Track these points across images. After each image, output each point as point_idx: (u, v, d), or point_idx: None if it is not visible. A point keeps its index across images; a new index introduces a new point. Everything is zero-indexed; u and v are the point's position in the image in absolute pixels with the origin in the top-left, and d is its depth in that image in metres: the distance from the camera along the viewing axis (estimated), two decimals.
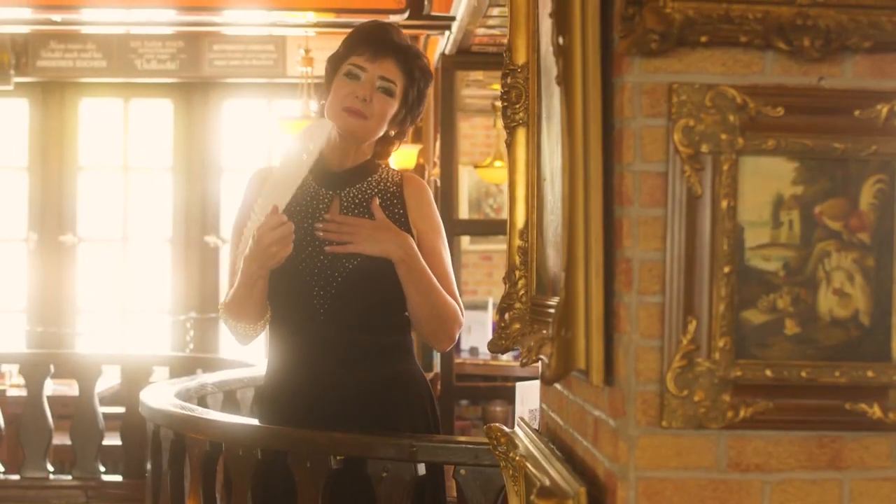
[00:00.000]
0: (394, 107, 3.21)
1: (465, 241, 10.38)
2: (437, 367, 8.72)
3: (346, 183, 3.25)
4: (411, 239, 3.20)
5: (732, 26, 1.79)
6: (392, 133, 3.28)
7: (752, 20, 1.79)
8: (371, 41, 3.21)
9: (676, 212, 1.80)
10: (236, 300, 3.17)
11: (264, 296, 3.17)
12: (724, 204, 1.79)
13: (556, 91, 2.23)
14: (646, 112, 1.81)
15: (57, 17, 7.91)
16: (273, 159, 10.06)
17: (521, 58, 2.66)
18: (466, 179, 10.69)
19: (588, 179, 1.83)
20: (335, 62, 3.25)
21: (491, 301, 10.18)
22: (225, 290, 3.28)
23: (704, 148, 1.79)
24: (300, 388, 3.19)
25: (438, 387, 7.93)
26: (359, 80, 3.18)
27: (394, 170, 3.35)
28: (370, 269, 3.18)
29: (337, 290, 3.17)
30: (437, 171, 8.37)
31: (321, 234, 3.17)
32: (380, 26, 3.30)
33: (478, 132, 11.43)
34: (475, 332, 9.76)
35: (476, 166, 10.31)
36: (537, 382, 3.48)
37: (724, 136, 1.79)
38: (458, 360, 8.92)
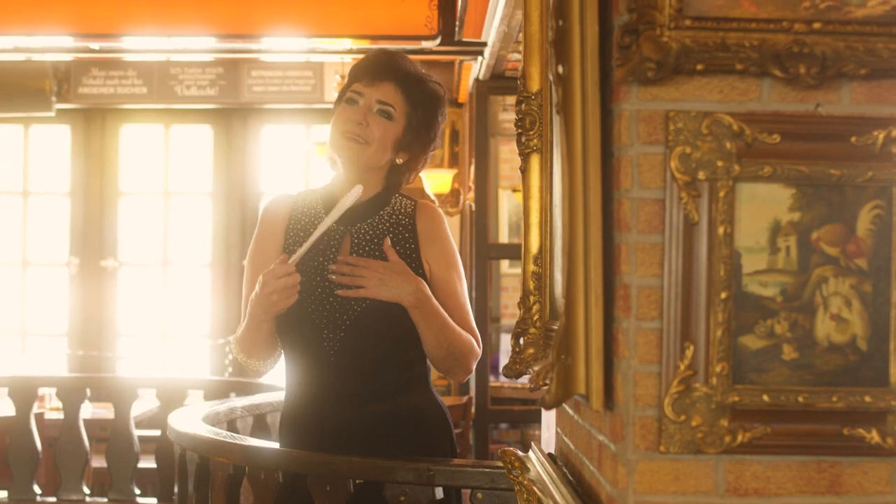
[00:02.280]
0: (394, 131, 3.18)
1: (504, 264, 10.39)
2: (472, 391, 8.73)
3: (357, 218, 3.21)
4: (423, 283, 3.16)
5: (728, 54, 1.81)
6: (400, 161, 3.23)
7: (749, 48, 1.81)
8: (370, 67, 3.19)
9: (674, 238, 1.82)
10: (245, 338, 3.18)
11: (272, 336, 3.18)
12: (720, 230, 1.80)
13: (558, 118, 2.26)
14: (643, 139, 1.83)
15: (98, 45, 8.01)
16: (309, 184, 10.11)
17: (535, 85, 2.68)
18: (506, 203, 10.69)
19: (587, 206, 1.85)
20: (340, 93, 3.25)
21: None
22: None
23: (701, 175, 1.81)
24: (314, 423, 3.19)
25: (472, 410, 7.93)
26: (357, 104, 3.17)
27: (407, 199, 3.29)
28: (380, 310, 3.14)
29: (347, 332, 3.14)
30: (471, 195, 8.40)
31: (334, 276, 3.14)
32: (383, 53, 3.26)
33: (517, 156, 11.44)
34: None
35: (514, 190, 10.33)
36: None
37: (720, 163, 1.81)
38: (495, 384, 8.92)
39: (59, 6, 7.82)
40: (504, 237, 10.30)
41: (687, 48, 1.81)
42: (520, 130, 2.73)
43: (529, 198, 2.72)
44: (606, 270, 1.88)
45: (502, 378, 9.51)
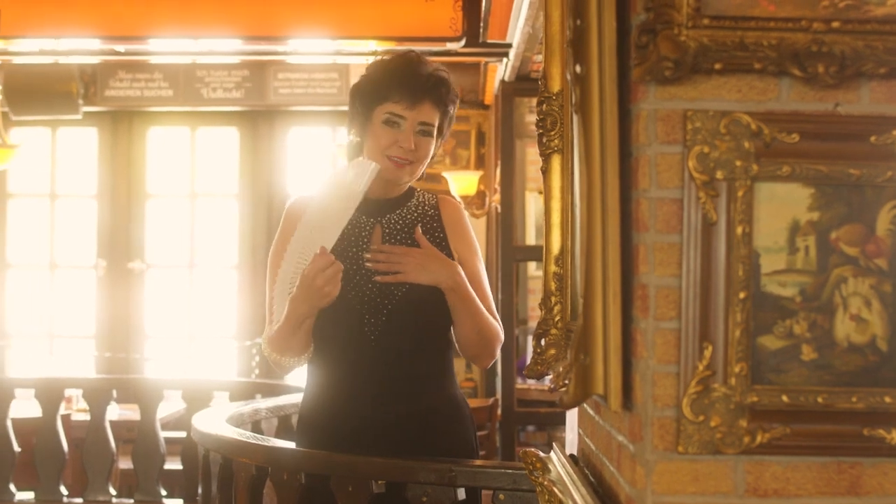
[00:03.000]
0: (434, 144, 3.29)
1: (531, 266, 10.37)
2: (498, 393, 8.73)
3: (385, 210, 3.32)
4: (459, 266, 3.25)
5: (747, 53, 1.80)
6: None
7: (767, 47, 1.80)
8: (406, 86, 3.22)
9: (692, 238, 1.81)
10: (281, 337, 3.20)
11: (310, 332, 3.21)
12: (739, 230, 1.80)
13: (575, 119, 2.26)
14: (661, 139, 1.83)
15: (124, 47, 8.04)
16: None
17: (556, 85, 2.68)
18: (533, 205, 10.68)
19: (605, 206, 1.85)
20: (369, 102, 3.26)
21: None
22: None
23: (719, 174, 1.80)
24: (346, 415, 3.21)
25: (499, 412, 7.93)
26: (399, 127, 3.22)
27: (428, 192, 3.41)
28: (418, 295, 3.23)
29: (388, 316, 3.21)
30: (497, 197, 8.40)
31: (370, 264, 3.21)
32: (410, 65, 3.28)
33: (539, 159, 11.43)
34: None
35: (541, 192, 10.29)
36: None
37: (738, 163, 1.80)
38: (523, 386, 8.91)
39: (86, 9, 7.86)
40: (531, 239, 10.28)
41: (705, 47, 1.80)
42: (541, 131, 2.73)
43: (551, 198, 2.72)
44: (624, 270, 1.87)
45: (529, 380, 9.51)
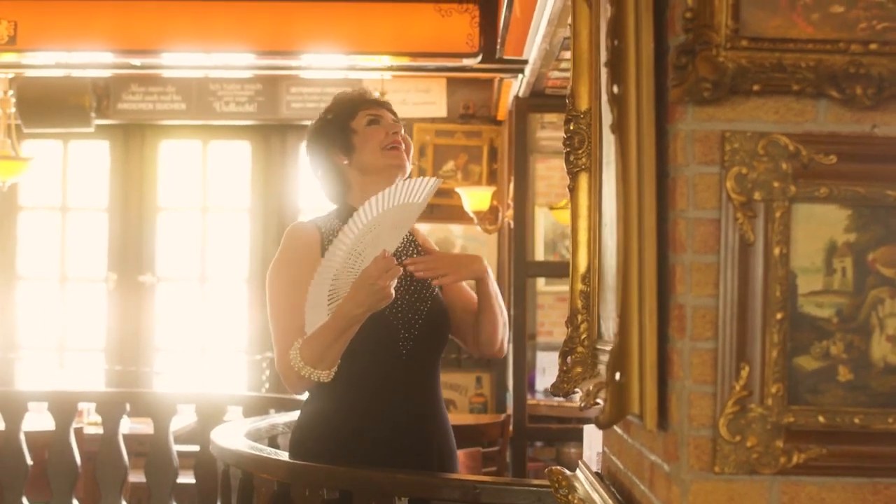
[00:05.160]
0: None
1: (540, 282, 10.36)
2: (509, 409, 8.72)
3: None
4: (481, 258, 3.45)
5: (785, 75, 1.81)
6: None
7: (805, 69, 1.81)
8: (367, 100, 3.54)
9: (729, 258, 1.82)
10: (323, 345, 3.24)
11: (348, 342, 3.28)
12: (776, 251, 1.80)
13: (612, 138, 2.26)
14: (699, 160, 1.83)
15: (137, 61, 8.07)
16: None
17: (583, 104, 2.69)
18: (543, 221, 10.68)
19: (642, 226, 1.85)
20: (343, 122, 3.49)
21: None
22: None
23: (757, 195, 1.81)
24: (382, 428, 3.30)
25: (510, 428, 7.92)
26: (381, 121, 3.48)
27: None
28: (439, 310, 3.43)
29: (419, 331, 3.35)
30: (510, 213, 8.40)
31: (420, 273, 3.34)
32: (359, 92, 3.62)
33: (554, 173, 11.41)
34: (549, 374, 9.74)
35: (551, 208, 10.30)
36: None
37: (776, 184, 1.81)
38: (532, 402, 8.91)
39: (100, 22, 7.89)
40: (539, 255, 10.27)
41: (743, 69, 1.81)
42: (568, 149, 2.74)
43: (578, 216, 2.72)
44: (660, 290, 1.88)
45: (538, 395, 9.50)
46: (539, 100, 7.87)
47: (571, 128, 2.71)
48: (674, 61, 1.83)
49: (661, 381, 1.87)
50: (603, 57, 2.44)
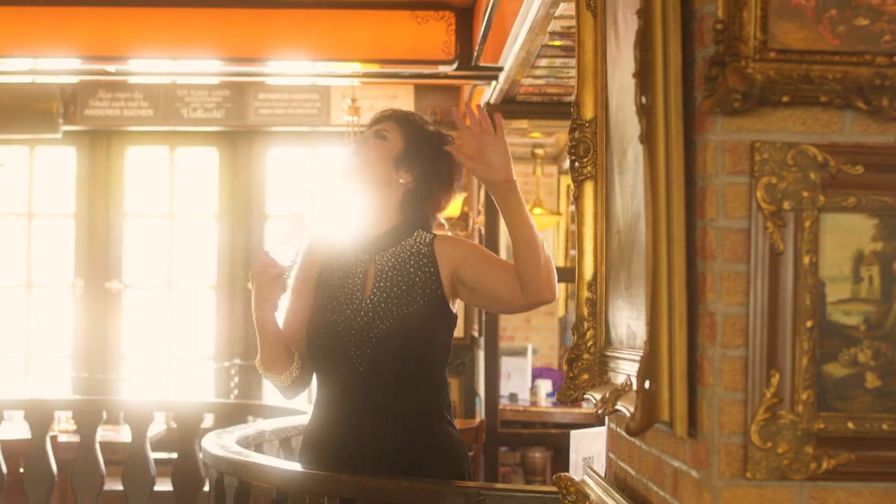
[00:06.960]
0: (385, 148, 3.42)
1: None
2: (480, 415, 8.74)
3: (380, 247, 3.41)
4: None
5: (812, 86, 1.84)
6: (402, 181, 3.42)
7: (832, 80, 1.84)
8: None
9: (759, 267, 1.84)
10: (260, 349, 3.37)
11: (282, 344, 3.36)
12: (806, 260, 1.83)
13: (630, 147, 2.29)
14: (728, 169, 1.86)
15: (108, 67, 8.04)
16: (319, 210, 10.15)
17: (588, 113, 2.71)
18: None
19: (671, 235, 1.88)
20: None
21: (530, 347, 10.19)
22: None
23: (787, 205, 1.83)
24: (340, 443, 3.30)
25: (483, 435, 7.94)
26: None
27: (428, 233, 3.45)
28: (404, 328, 3.29)
29: (373, 349, 3.27)
30: (481, 219, 8.42)
31: (470, 128, 3.33)
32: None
33: (518, 179, 11.46)
34: (515, 379, 9.77)
35: None
36: (592, 430, 3.52)
37: (805, 194, 1.83)
38: (499, 407, 8.93)
39: (68, 29, 7.86)
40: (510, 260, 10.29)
41: (772, 80, 1.84)
42: (573, 158, 2.76)
43: (583, 224, 2.74)
44: (690, 299, 1.90)
45: (503, 400, 9.52)
46: (510, 106, 7.90)
47: (577, 136, 2.74)
48: (704, 72, 1.85)
49: (690, 388, 1.89)
50: (616, 64, 2.47)
